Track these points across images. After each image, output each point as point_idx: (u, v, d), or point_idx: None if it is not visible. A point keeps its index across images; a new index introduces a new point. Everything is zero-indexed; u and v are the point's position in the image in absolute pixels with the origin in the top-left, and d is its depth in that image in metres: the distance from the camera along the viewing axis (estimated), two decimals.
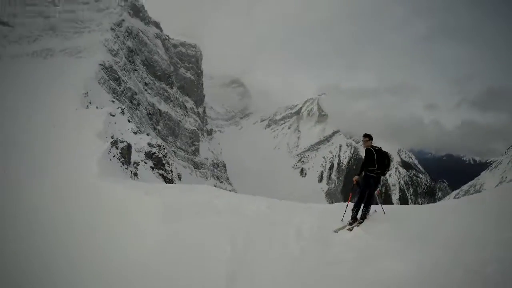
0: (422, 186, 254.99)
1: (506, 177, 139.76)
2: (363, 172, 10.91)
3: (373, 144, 11.09)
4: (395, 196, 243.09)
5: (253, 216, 12.73)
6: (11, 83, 74.04)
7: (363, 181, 10.91)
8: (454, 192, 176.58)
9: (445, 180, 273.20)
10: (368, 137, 11.09)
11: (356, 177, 10.96)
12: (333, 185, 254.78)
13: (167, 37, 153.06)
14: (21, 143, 38.39)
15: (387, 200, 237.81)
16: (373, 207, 11.75)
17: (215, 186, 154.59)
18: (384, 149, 11.16)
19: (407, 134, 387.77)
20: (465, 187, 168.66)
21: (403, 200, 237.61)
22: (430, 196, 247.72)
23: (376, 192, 11.23)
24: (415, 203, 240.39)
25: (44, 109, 56.34)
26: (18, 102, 61.35)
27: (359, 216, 10.97)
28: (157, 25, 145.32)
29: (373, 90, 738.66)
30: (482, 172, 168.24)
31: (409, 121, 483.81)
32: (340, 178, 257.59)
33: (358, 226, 10.43)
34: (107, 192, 19.88)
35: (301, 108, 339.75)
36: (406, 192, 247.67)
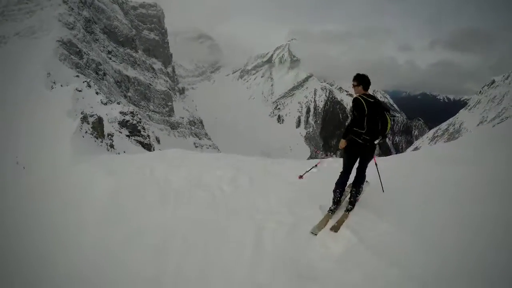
0: (399, 125, 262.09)
1: (487, 116, 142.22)
2: (349, 135, 7.20)
3: (367, 92, 7.21)
4: None
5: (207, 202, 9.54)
6: None
7: (349, 150, 7.30)
8: (433, 131, 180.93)
9: (420, 118, 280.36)
10: (358, 80, 7.22)
11: (342, 142, 7.33)
12: (311, 129, 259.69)
13: (124, 0, 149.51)
14: None
15: None
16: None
17: (194, 143, 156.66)
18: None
19: (381, 75, 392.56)
20: (443, 125, 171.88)
21: None
22: (406, 134, 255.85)
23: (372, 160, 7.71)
24: (392, 142, 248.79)
25: (9, 99, 54.85)
26: None
27: (344, 199, 7.99)
28: None
29: (345, 34, 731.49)
30: (461, 110, 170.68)
31: (383, 62, 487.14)
32: (318, 122, 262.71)
33: (345, 219, 7.22)
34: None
35: (272, 55, 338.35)
36: None
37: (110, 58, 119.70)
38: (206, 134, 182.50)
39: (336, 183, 7.57)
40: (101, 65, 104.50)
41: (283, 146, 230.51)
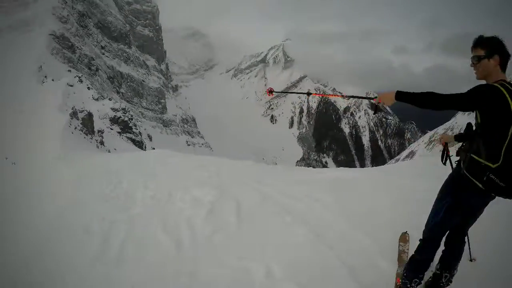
0: (391, 128, 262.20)
1: None
2: (467, 155, 3.57)
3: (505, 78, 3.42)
4: (365, 137, 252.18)
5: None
6: None
7: (455, 190, 3.69)
8: (429, 134, 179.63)
9: (413, 122, 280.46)
10: (490, 46, 3.45)
11: (443, 138, 4.45)
12: (304, 130, 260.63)
13: None
14: None
15: (358, 141, 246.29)
16: None
17: (187, 142, 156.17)
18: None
19: (375, 77, 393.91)
20: (440, 129, 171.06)
21: (373, 141, 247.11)
22: (399, 137, 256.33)
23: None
24: (385, 145, 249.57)
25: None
26: None
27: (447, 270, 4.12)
28: None
29: (340, 35, 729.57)
30: (457, 115, 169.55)
31: (377, 64, 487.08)
32: (311, 123, 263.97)
33: None
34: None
35: (266, 55, 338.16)
36: (376, 133, 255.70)
37: (103, 54, 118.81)
38: (198, 132, 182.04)
39: (412, 265, 4.10)
40: (93, 60, 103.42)
41: (275, 146, 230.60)
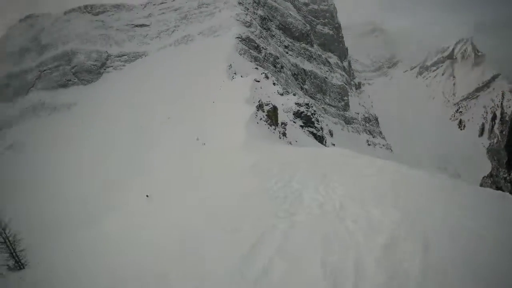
0: None
1: None
2: None
3: None
4: None
5: None
6: (161, 70, 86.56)
7: None
8: None
9: None
10: None
11: None
12: (495, 140, 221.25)
13: None
14: (188, 119, 46.83)
15: None
16: None
17: (367, 141, 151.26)
18: None
19: None
20: None
21: None
22: None
23: None
24: None
25: (200, 87, 64.08)
26: (177, 85, 72.53)
27: None
28: None
29: None
30: None
31: None
32: (504, 132, 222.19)
33: None
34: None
35: (453, 50, 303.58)
36: None
37: (287, 52, 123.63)
38: (380, 132, 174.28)
39: None
40: (278, 58, 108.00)
41: (460, 156, 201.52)
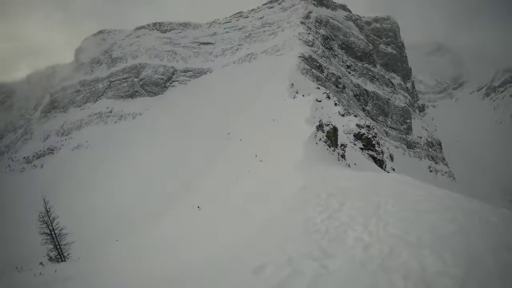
0: None
1: None
2: None
3: None
4: None
5: None
6: (224, 86, 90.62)
7: None
8: None
9: None
10: None
11: None
12: None
13: (358, 17, 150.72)
14: (248, 135, 48.93)
15: None
16: None
17: (429, 167, 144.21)
18: None
19: None
20: None
21: None
22: None
23: None
24: None
25: (261, 104, 66.44)
26: (239, 102, 75.29)
27: None
28: (344, 7, 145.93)
29: None
30: None
31: None
32: None
33: None
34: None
35: None
36: None
37: (349, 72, 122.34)
38: (443, 158, 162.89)
39: None
40: (340, 78, 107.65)
41: None
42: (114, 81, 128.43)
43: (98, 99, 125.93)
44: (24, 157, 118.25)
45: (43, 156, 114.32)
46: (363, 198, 11.19)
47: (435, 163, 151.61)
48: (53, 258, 31.02)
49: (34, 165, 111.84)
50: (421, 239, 7.20)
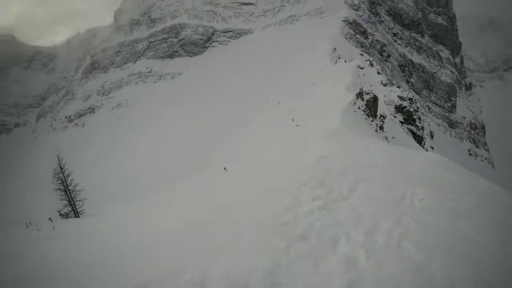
0: None
1: None
2: None
3: None
4: None
5: None
6: (265, 48, 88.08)
7: None
8: None
9: None
10: None
11: None
12: None
13: None
14: (286, 98, 47.54)
15: None
16: None
17: (469, 150, 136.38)
18: None
19: None
20: None
21: None
22: None
23: None
24: None
25: (301, 68, 64.53)
26: (279, 64, 73.84)
27: None
28: None
29: None
30: None
31: None
32: None
33: None
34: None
35: None
36: None
37: (395, 41, 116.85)
38: (485, 143, 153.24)
39: None
40: (385, 46, 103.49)
41: None
42: (153, 41, 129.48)
43: (138, 59, 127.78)
44: (66, 117, 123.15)
45: (84, 115, 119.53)
46: (384, 182, 8.45)
47: (476, 147, 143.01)
48: (63, 214, 31.32)
49: (76, 124, 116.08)
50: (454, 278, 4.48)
